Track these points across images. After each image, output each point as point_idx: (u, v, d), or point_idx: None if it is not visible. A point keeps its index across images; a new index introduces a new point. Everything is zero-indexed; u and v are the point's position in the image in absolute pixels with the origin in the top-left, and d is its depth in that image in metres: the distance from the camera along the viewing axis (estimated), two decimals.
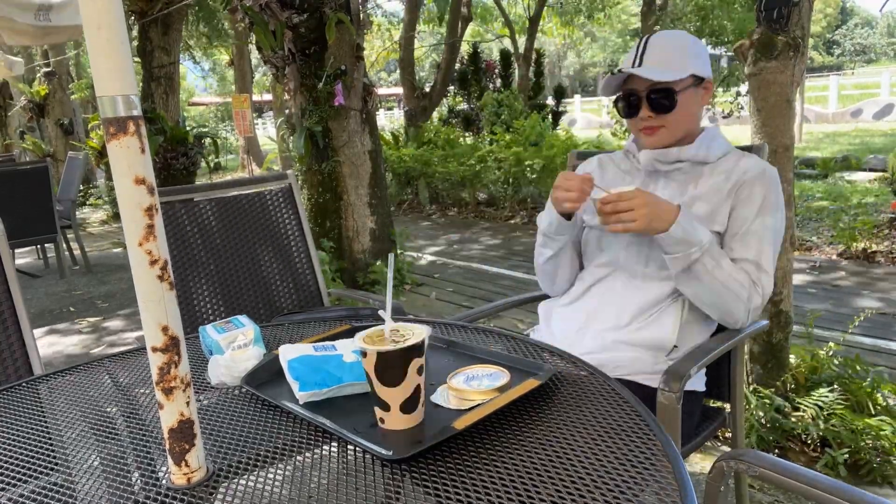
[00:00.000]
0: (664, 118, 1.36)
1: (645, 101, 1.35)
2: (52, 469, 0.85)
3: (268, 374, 1.06)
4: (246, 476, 0.79)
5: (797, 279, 4.23)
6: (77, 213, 6.59)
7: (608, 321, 1.39)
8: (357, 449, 0.83)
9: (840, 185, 7.41)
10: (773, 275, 1.33)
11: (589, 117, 22.57)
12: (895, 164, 5.89)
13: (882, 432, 2.04)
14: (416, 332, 0.86)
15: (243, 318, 1.23)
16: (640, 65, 1.34)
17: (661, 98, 1.34)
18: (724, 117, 8.95)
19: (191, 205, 1.80)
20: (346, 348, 1.07)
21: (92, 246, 6.95)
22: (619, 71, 1.36)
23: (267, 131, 26.17)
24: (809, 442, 2.14)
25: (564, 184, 1.31)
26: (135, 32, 6.83)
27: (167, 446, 0.76)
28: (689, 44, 1.36)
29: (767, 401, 2.21)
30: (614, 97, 1.43)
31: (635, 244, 1.39)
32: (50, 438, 0.94)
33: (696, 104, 1.38)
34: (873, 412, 2.15)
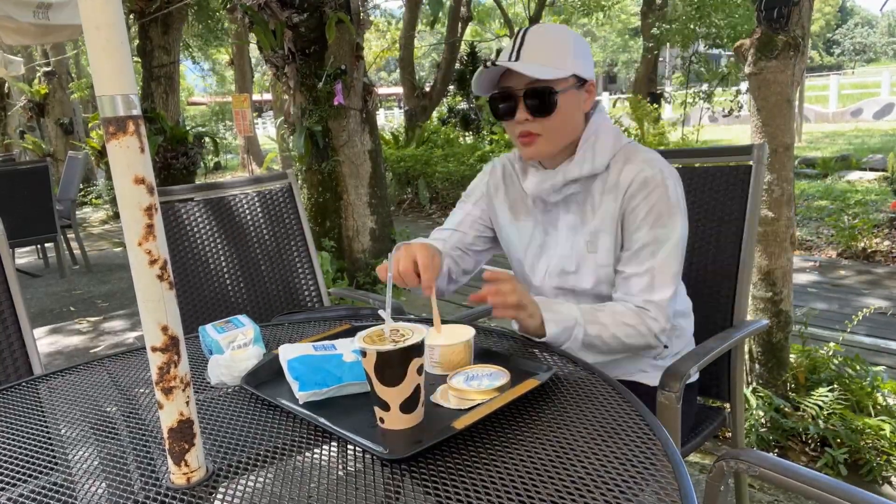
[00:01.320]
0: (542, 123, 1.20)
1: (522, 101, 1.19)
2: (52, 469, 0.85)
3: (268, 374, 1.06)
4: (246, 476, 0.79)
5: (797, 279, 4.23)
6: (77, 212, 6.59)
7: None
8: (357, 449, 0.83)
9: (840, 185, 7.41)
10: (671, 282, 1.21)
11: None
12: (895, 164, 5.88)
13: (882, 432, 2.04)
14: (417, 332, 0.86)
15: (243, 318, 1.23)
16: (517, 59, 1.19)
17: (540, 98, 1.18)
18: (724, 116, 8.95)
19: (191, 204, 1.80)
20: (346, 348, 1.07)
21: (92, 245, 6.95)
22: (494, 64, 1.19)
23: (267, 131, 26.16)
24: (809, 441, 2.14)
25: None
26: (134, 32, 6.83)
27: (167, 446, 0.76)
28: (571, 40, 1.21)
29: (767, 400, 2.21)
30: (489, 97, 1.25)
31: (556, 286, 1.32)
32: (50, 438, 0.94)
33: (578, 108, 1.23)
34: (873, 412, 2.15)
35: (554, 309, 1.15)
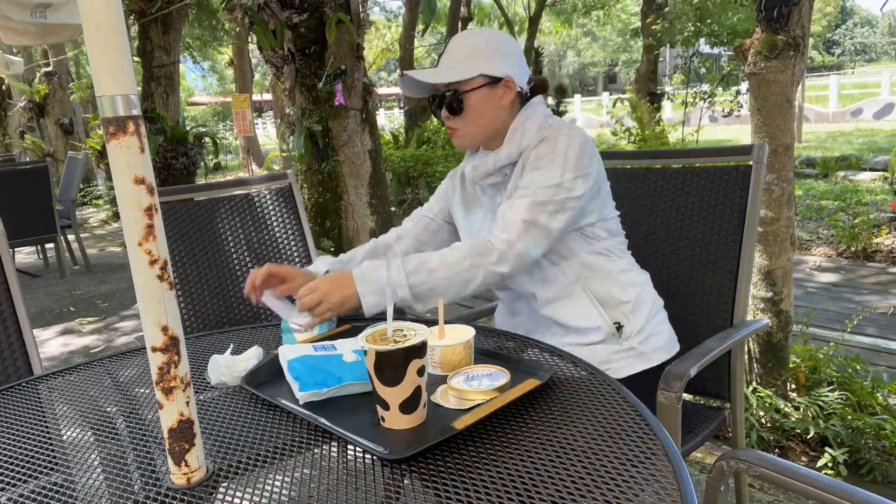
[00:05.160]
0: (456, 120, 1.33)
1: (442, 102, 1.34)
2: (52, 469, 0.85)
3: (268, 374, 1.06)
4: (246, 476, 0.79)
5: (797, 279, 4.22)
6: (77, 212, 6.59)
7: (542, 331, 1.39)
8: (357, 449, 0.83)
9: (842, 185, 7.41)
10: (541, 212, 1.23)
11: (589, 117, 22.56)
12: (895, 164, 5.88)
13: (882, 431, 2.04)
14: (419, 333, 0.86)
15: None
16: (437, 65, 1.35)
17: (451, 100, 1.31)
18: (724, 116, 8.95)
19: (191, 204, 1.80)
20: (347, 348, 1.07)
21: (92, 246, 6.95)
22: (403, 74, 1.35)
23: (267, 131, 26.15)
24: (810, 441, 2.14)
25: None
26: (135, 32, 6.83)
27: (167, 446, 0.76)
28: (484, 42, 1.33)
29: (767, 400, 2.21)
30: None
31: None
32: (50, 438, 0.94)
33: (494, 105, 1.32)
34: (873, 411, 2.15)
35: (367, 279, 1.19)
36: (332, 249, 4.24)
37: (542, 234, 1.24)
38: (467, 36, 1.37)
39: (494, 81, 1.31)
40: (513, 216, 1.24)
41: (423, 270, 1.20)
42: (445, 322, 1.09)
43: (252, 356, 1.10)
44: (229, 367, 1.06)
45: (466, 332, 1.05)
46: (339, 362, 1.01)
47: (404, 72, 1.33)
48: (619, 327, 1.33)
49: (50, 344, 3.88)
